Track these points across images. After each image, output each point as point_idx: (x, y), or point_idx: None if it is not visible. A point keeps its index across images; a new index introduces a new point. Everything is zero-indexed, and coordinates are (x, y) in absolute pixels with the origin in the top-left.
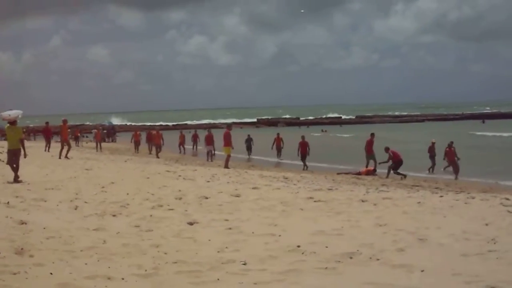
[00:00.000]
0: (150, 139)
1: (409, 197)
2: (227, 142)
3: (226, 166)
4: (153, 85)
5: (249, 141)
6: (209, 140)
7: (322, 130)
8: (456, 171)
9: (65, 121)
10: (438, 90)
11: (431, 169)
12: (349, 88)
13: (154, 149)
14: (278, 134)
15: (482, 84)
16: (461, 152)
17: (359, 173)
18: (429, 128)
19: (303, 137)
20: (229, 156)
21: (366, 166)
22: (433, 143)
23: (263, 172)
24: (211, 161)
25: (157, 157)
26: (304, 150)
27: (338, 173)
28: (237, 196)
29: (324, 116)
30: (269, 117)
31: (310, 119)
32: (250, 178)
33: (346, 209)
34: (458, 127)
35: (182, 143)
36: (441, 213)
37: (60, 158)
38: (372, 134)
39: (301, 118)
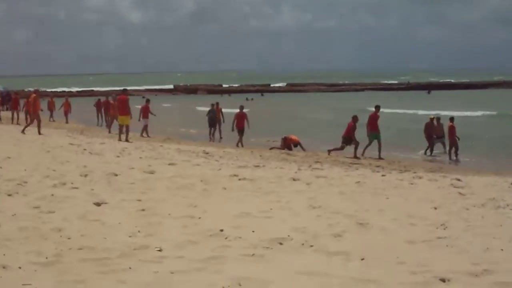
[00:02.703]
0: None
1: (346, 175)
2: (124, 109)
3: (127, 139)
4: (54, 45)
5: (212, 113)
6: (146, 112)
7: (247, 99)
8: (456, 150)
9: (36, 92)
10: (381, 56)
11: (428, 151)
12: (278, 52)
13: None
14: (216, 103)
15: (432, 50)
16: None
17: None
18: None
19: (241, 108)
20: (127, 126)
21: (366, 146)
22: (432, 119)
23: (181, 146)
24: (147, 136)
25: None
26: (241, 123)
27: (270, 148)
28: (151, 173)
29: (250, 84)
30: (188, 84)
31: (234, 87)
32: (166, 152)
33: (275, 188)
34: (396, 98)
35: (67, 111)
36: (383, 194)
37: (40, 134)
38: (377, 107)
39: (224, 85)
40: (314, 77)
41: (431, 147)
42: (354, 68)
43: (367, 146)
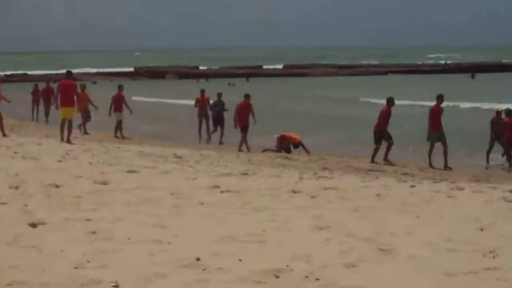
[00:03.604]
0: None
1: (363, 186)
2: (68, 99)
3: (68, 140)
4: None
5: (220, 105)
6: (119, 103)
7: (229, 84)
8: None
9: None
10: (404, 27)
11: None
12: (274, 23)
13: None
14: (202, 92)
15: (472, 21)
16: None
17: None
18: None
19: (246, 97)
20: (70, 121)
21: (430, 151)
22: (499, 113)
23: (143, 147)
24: (121, 137)
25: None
26: (245, 118)
27: (263, 151)
28: (105, 183)
29: (235, 65)
30: (151, 65)
31: (214, 70)
32: (124, 156)
33: (269, 204)
34: (428, 84)
35: None
36: (412, 211)
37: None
38: (440, 98)
39: (201, 67)
40: (321, 56)
41: (508, 149)
42: (369, 44)
43: (430, 152)
